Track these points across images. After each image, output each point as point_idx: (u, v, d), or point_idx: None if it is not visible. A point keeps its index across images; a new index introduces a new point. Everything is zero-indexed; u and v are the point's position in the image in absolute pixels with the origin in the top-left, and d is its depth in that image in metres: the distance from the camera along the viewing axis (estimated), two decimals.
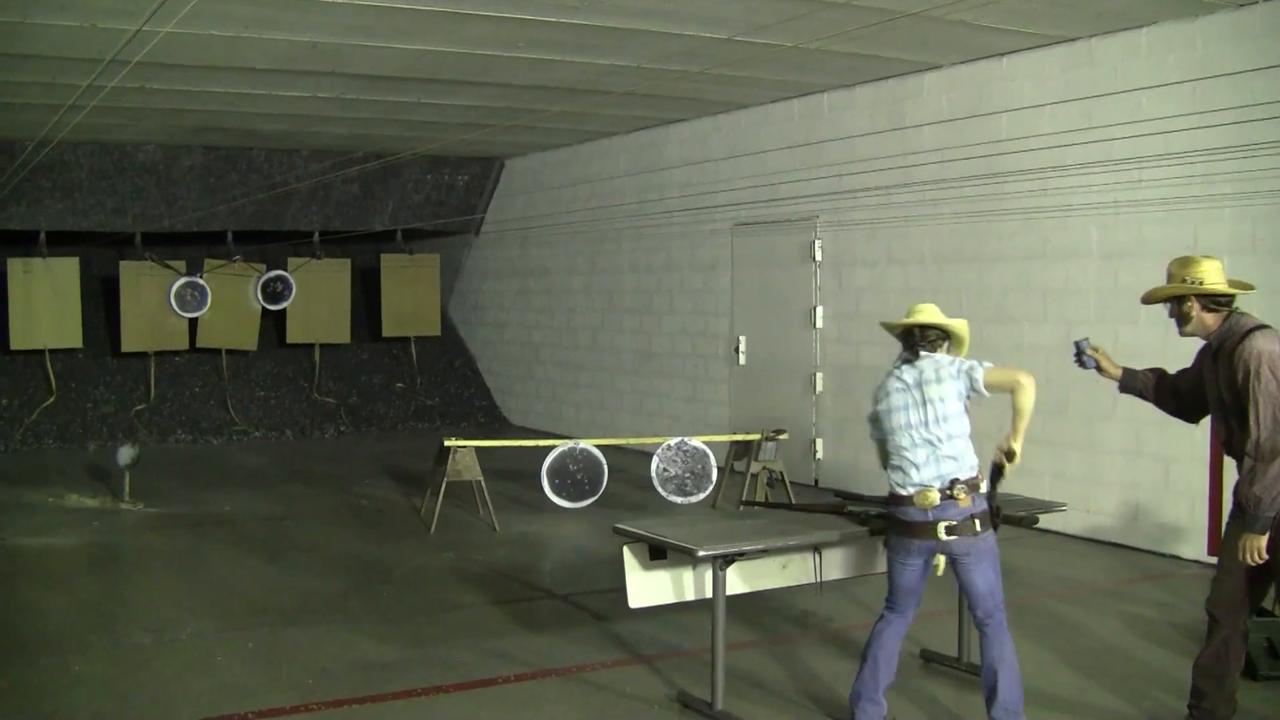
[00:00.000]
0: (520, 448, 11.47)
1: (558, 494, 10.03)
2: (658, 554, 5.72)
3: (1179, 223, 8.75)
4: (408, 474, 13.02)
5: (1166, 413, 5.61)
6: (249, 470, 13.77)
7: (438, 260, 18.12)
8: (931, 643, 6.61)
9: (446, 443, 9.92)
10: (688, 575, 5.83)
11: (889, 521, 5.32)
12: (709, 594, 5.66)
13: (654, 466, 10.13)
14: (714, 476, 10.15)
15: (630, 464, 11.89)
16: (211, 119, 13.06)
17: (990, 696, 5.11)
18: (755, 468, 9.95)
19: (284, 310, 16.82)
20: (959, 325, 5.31)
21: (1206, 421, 8.24)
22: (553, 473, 10.04)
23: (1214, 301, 5.10)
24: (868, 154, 11.15)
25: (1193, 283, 5.10)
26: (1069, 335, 9.55)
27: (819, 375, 12.00)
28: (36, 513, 10.91)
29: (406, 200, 17.26)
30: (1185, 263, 5.19)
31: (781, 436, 10.06)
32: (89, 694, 6.04)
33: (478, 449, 10.04)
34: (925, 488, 5.08)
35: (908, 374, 5.20)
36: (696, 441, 10.23)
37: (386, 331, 17.73)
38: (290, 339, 17.10)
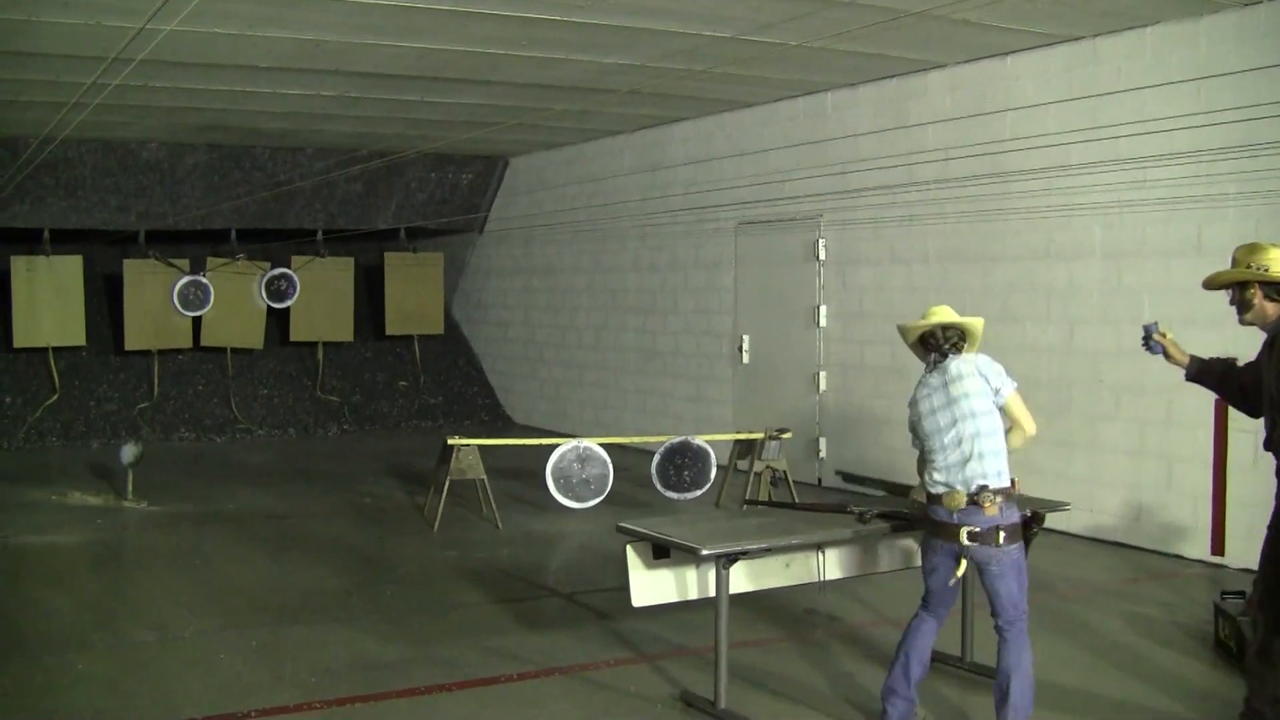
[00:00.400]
0: (523, 446, 11.46)
1: (562, 494, 10.02)
2: (661, 553, 5.71)
3: (1183, 222, 8.74)
4: (411, 472, 13.02)
5: (1233, 406, 5.51)
6: (252, 468, 13.77)
7: (441, 259, 18.12)
8: (936, 642, 6.58)
9: (450, 441, 9.91)
10: (691, 574, 5.83)
11: (926, 520, 5.31)
12: (712, 593, 5.65)
13: (655, 465, 10.13)
14: (713, 475, 10.14)
15: (634, 463, 11.89)
16: (215, 117, 13.06)
17: (1001, 701, 5.09)
18: (759, 467, 9.95)
19: (287, 308, 16.82)
20: (975, 323, 5.30)
21: (1207, 421, 8.34)
22: (557, 472, 10.03)
23: (1278, 291, 5.02)
24: (871, 153, 11.14)
25: (1258, 269, 5.01)
26: (1072, 335, 9.59)
27: (822, 374, 11.99)
28: (40, 511, 10.91)
29: (410, 199, 17.26)
30: (1252, 249, 5.10)
31: (785, 435, 10.05)
32: (91, 692, 6.04)
33: (481, 448, 10.03)
34: (953, 489, 5.06)
35: (935, 377, 5.22)
36: (699, 440, 10.23)
37: (390, 330, 17.74)
38: (294, 337, 17.10)
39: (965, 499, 5.02)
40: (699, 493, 10.13)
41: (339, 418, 17.16)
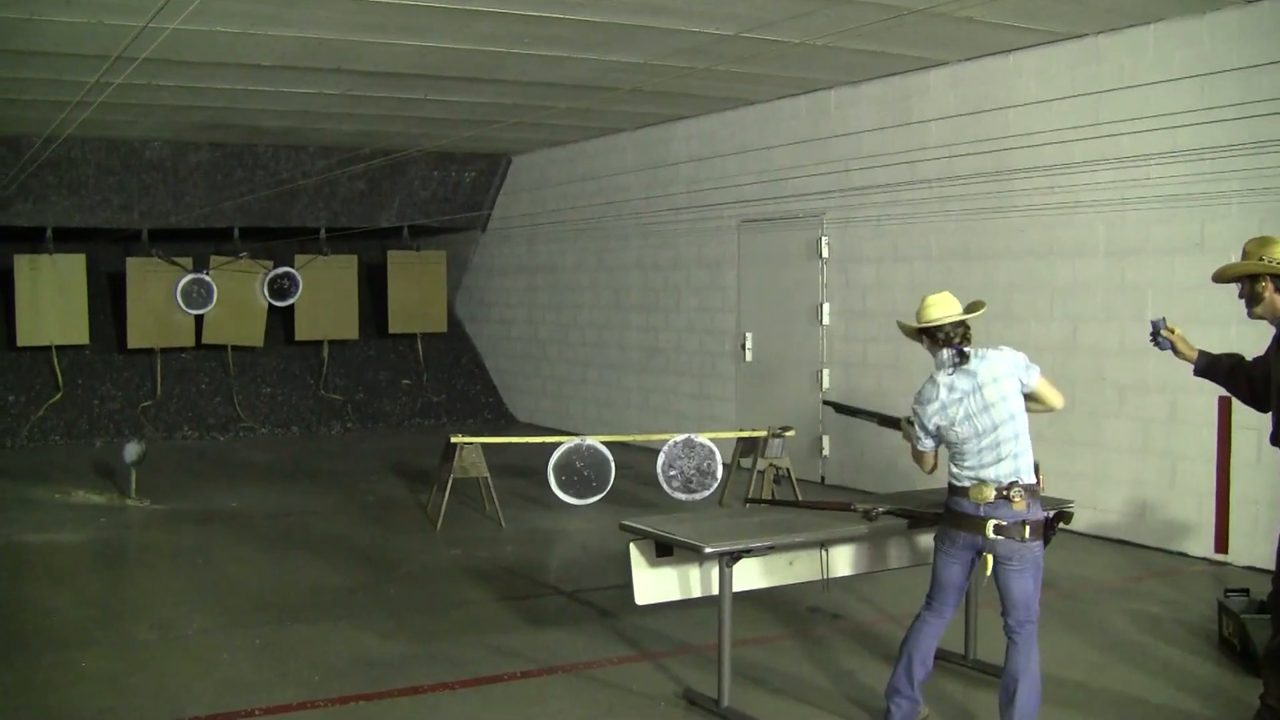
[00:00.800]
0: (526, 444, 11.46)
1: (564, 490, 10.02)
2: (664, 551, 5.71)
3: (1186, 219, 8.73)
4: (414, 470, 13.02)
5: (1241, 400, 5.50)
6: (255, 467, 13.78)
7: (444, 257, 18.13)
8: (940, 641, 6.59)
9: (453, 439, 9.92)
10: (694, 572, 5.83)
11: (943, 511, 5.23)
12: (715, 591, 5.65)
13: (660, 463, 10.12)
14: (719, 474, 10.14)
15: (637, 461, 11.89)
16: (218, 115, 13.06)
17: (1008, 704, 5.06)
18: (762, 464, 9.94)
19: (291, 307, 16.82)
20: (978, 315, 5.20)
21: (1211, 419, 8.34)
22: (559, 469, 10.03)
23: None
24: (874, 150, 11.13)
25: (1271, 263, 5.00)
26: (1075, 333, 9.58)
27: (825, 372, 11.98)
28: (43, 509, 10.92)
29: (413, 197, 17.26)
30: (1264, 242, 5.08)
31: (788, 433, 10.04)
32: (95, 690, 6.05)
33: (484, 445, 10.04)
34: (982, 483, 4.99)
35: (963, 381, 5.05)
36: (703, 438, 10.22)
37: (393, 328, 17.74)
38: (299, 336, 17.10)
39: (994, 493, 4.97)
40: (703, 492, 10.12)
41: (342, 416, 17.17)
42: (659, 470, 10.09)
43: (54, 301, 15.48)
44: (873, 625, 7.11)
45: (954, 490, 5.11)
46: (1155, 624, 7.15)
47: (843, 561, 6.12)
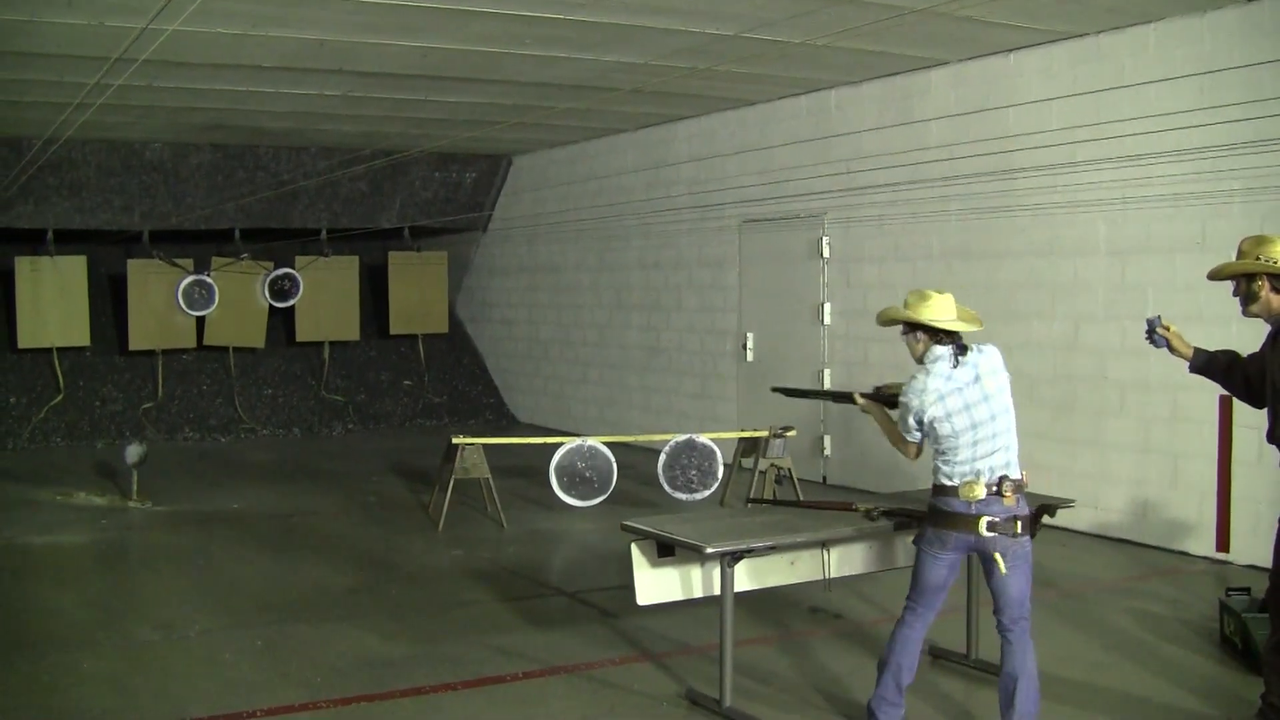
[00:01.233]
0: (528, 445, 11.46)
1: (567, 491, 10.02)
2: (666, 551, 5.71)
3: (1188, 218, 8.73)
4: (415, 471, 13.02)
5: (1237, 397, 5.49)
6: (257, 468, 13.78)
7: (445, 258, 18.13)
8: (941, 640, 6.59)
9: (454, 440, 9.92)
10: (696, 572, 5.83)
11: (928, 514, 5.20)
12: (717, 591, 5.65)
13: (661, 463, 10.12)
14: (720, 474, 10.14)
15: (638, 461, 11.89)
16: (219, 117, 13.07)
17: (1007, 705, 5.05)
18: (763, 465, 9.93)
19: (292, 308, 16.82)
20: (976, 329, 5.20)
21: (1212, 417, 8.33)
22: (561, 470, 10.02)
23: None
24: (875, 150, 11.13)
25: (1266, 261, 4.99)
26: (1077, 332, 9.58)
27: (826, 371, 11.98)
28: (45, 511, 10.93)
29: (414, 198, 17.26)
30: (1260, 241, 5.07)
31: (789, 433, 10.04)
32: (97, 691, 6.05)
33: (485, 446, 10.03)
34: (973, 481, 4.98)
35: (963, 373, 5.05)
36: (704, 438, 10.22)
37: (394, 329, 17.73)
38: (300, 337, 17.09)
39: (984, 490, 4.97)
40: (705, 492, 10.12)
41: (343, 417, 17.17)
42: (660, 470, 10.09)
43: (55, 303, 15.48)
44: (874, 625, 7.10)
45: (942, 490, 5.07)
46: (1157, 623, 7.14)
47: (844, 561, 6.12)
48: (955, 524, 5.03)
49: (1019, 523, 4.99)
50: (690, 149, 13.77)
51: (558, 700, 5.92)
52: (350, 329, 17.35)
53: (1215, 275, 5.28)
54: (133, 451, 11.29)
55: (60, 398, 15.65)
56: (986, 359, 5.10)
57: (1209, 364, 5.46)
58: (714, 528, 5.73)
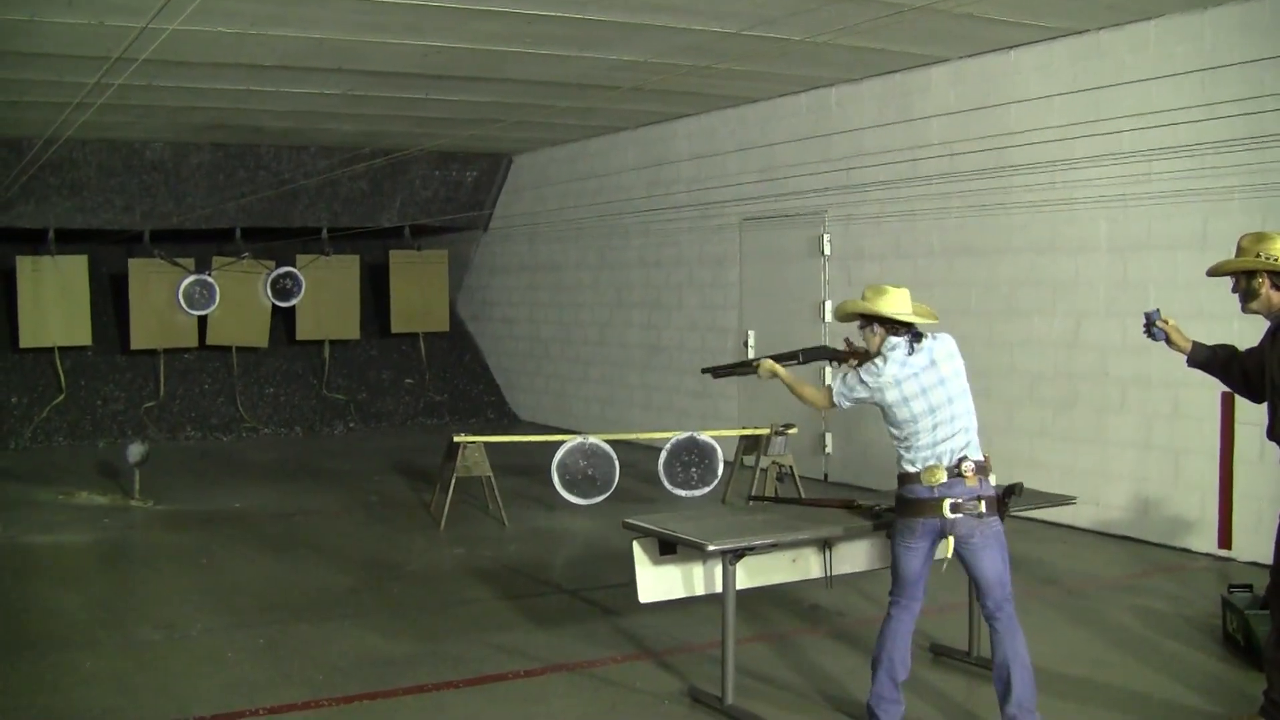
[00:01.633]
0: (529, 443, 11.46)
1: (568, 489, 10.02)
2: (668, 549, 5.71)
3: (1188, 215, 8.73)
4: (417, 470, 13.03)
5: (1236, 391, 5.50)
6: (258, 467, 13.79)
7: (446, 256, 18.13)
8: (942, 637, 6.60)
9: (456, 438, 9.92)
10: (698, 570, 5.83)
11: (895, 505, 5.26)
12: (719, 589, 5.66)
13: (662, 461, 10.12)
14: (721, 471, 10.14)
15: (640, 459, 11.89)
16: (219, 116, 13.07)
17: (1005, 694, 5.07)
18: (764, 462, 9.94)
19: (293, 307, 16.82)
20: (931, 323, 5.32)
21: (1214, 414, 8.32)
22: (562, 468, 10.02)
23: None
24: (876, 148, 11.13)
25: (1266, 258, 4.99)
26: (1078, 328, 9.58)
27: (827, 369, 11.97)
28: (47, 510, 10.94)
29: (415, 196, 17.26)
30: (1260, 238, 5.07)
31: (790, 431, 10.04)
32: (100, 690, 6.05)
33: (487, 444, 10.04)
34: (934, 465, 5.04)
35: (919, 358, 5.13)
36: (706, 436, 10.22)
37: (395, 328, 17.73)
38: (300, 336, 17.09)
39: (945, 473, 5.03)
40: (706, 490, 10.12)
41: (345, 416, 17.18)
42: (661, 468, 10.10)
43: (56, 303, 15.48)
44: (876, 622, 7.03)
45: (906, 479, 5.15)
46: (1159, 620, 7.14)
47: (846, 559, 6.13)
48: (921, 510, 5.09)
49: (982, 502, 5.05)
50: (691, 147, 13.76)
51: (559, 698, 5.93)
52: (351, 328, 17.36)
53: (1214, 272, 5.29)
54: (134, 451, 11.30)
55: (62, 397, 15.66)
56: (941, 345, 5.21)
57: (1208, 358, 5.46)
58: (715, 525, 5.73)
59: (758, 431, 10.14)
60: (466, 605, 7.70)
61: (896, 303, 5.20)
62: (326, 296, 16.95)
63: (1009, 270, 10.13)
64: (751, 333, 12.98)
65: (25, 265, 15.39)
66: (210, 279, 16.04)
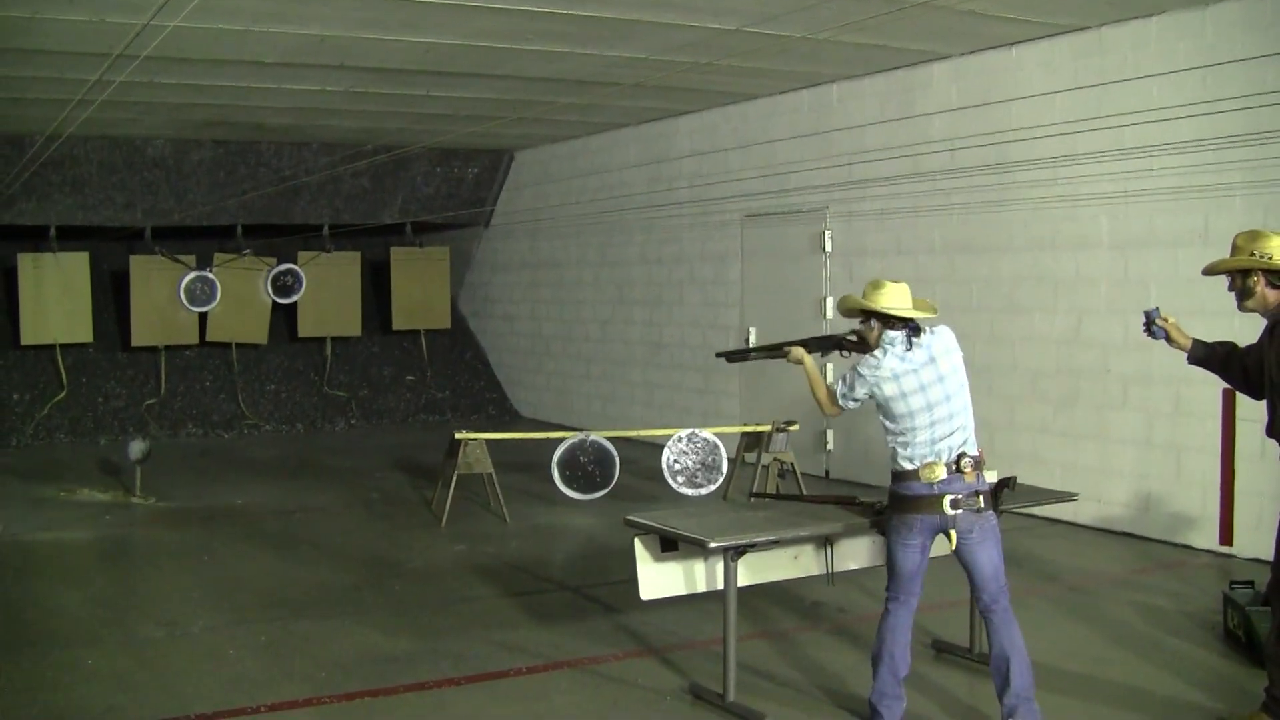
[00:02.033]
0: (531, 440, 11.47)
1: (569, 486, 10.02)
2: (669, 546, 5.72)
3: (1190, 212, 8.72)
4: (418, 467, 13.03)
5: (1235, 388, 5.51)
6: (260, 464, 13.79)
7: (447, 253, 18.13)
8: (943, 633, 6.60)
9: (457, 435, 9.92)
10: (699, 567, 5.83)
11: (890, 501, 5.27)
12: (720, 585, 5.67)
13: (665, 458, 10.12)
14: (724, 468, 10.14)
15: (641, 456, 11.89)
16: (220, 113, 13.07)
17: (1003, 685, 5.09)
18: (766, 459, 9.94)
19: (294, 304, 16.82)
20: (930, 316, 5.31)
21: (1215, 411, 8.33)
22: (563, 465, 10.03)
23: (1279, 278, 5.01)
24: (877, 144, 11.13)
25: (1261, 257, 5.00)
26: (1080, 325, 9.57)
27: (829, 366, 11.97)
28: (48, 507, 10.94)
29: (416, 193, 17.26)
30: (1254, 236, 5.08)
31: (792, 428, 10.04)
32: (102, 687, 6.06)
33: (488, 441, 10.04)
34: (933, 462, 5.05)
35: (918, 354, 5.14)
36: (707, 433, 10.22)
37: (397, 325, 17.73)
38: (302, 333, 17.10)
39: (944, 470, 5.04)
40: (709, 488, 10.12)
41: (346, 413, 17.18)
42: (663, 465, 10.10)
43: (58, 300, 15.49)
44: (877, 619, 7.06)
45: (902, 475, 5.15)
46: (1160, 616, 7.14)
47: (847, 556, 6.13)
48: (919, 507, 5.10)
49: (981, 497, 5.08)
50: (692, 144, 13.76)
51: (561, 695, 5.93)
52: (352, 325, 17.36)
53: (1210, 271, 5.30)
54: (136, 448, 11.30)
55: (63, 394, 15.66)
56: (940, 340, 5.21)
57: (1207, 355, 5.47)
58: (717, 522, 5.73)
59: (759, 428, 10.14)
60: (468, 602, 7.70)
61: (894, 297, 5.21)
62: (328, 293, 16.95)
63: (1010, 267, 10.12)
64: (753, 329, 12.98)
65: (27, 262, 15.39)
66: (211, 275, 16.04)
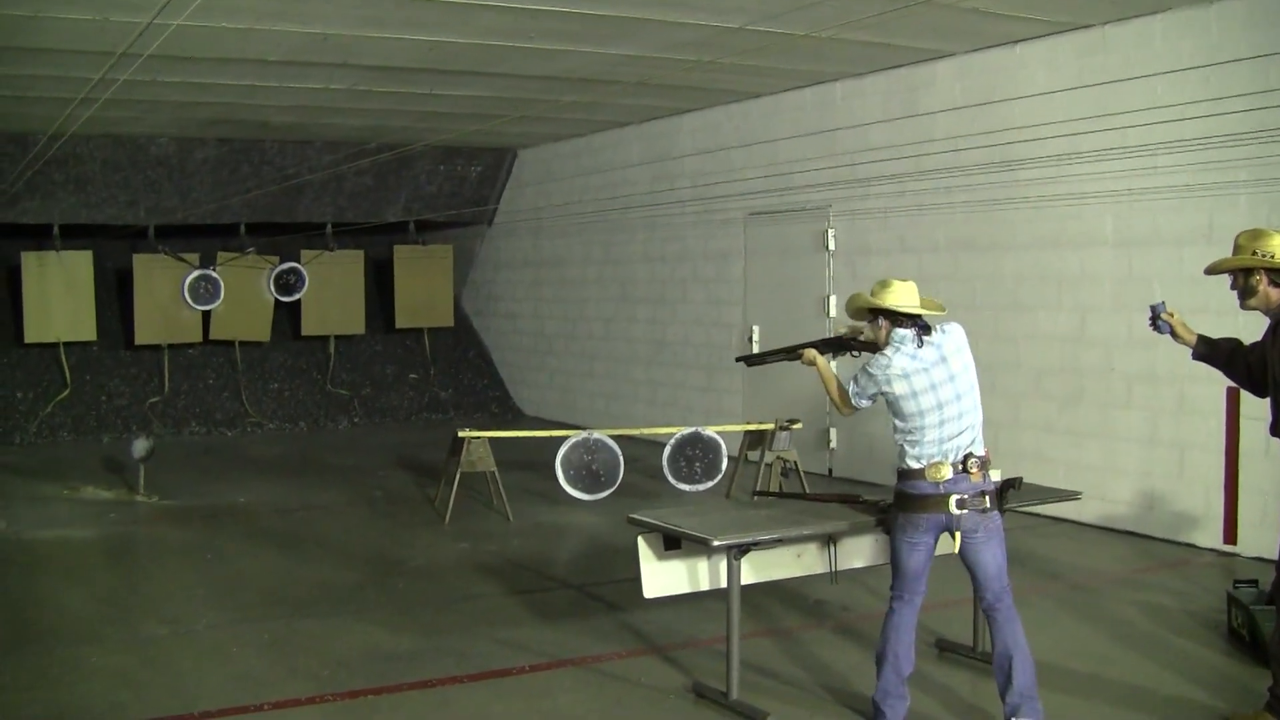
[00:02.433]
0: (534, 438, 11.47)
1: (573, 485, 10.02)
2: (672, 544, 5.72)
3: (1194, 210, 8.71)
4: (422, 465, 13.03)
5: (1239, 385, 5.51)
6: (263, 462, 13.80)
7: (450, 251, 18.14)
8: (947, 632, 6.60)
9: (460, 434, 9.93)
10: (702, 565, 5.83)
11: (896, 500, 5.26)
12: (724, 584, 5.66)
13: (666, 456, 10.12)
14: (725, 466, 10.13)
15: (644, 454, 11.89)
16: (224, 111, 13.08)
17: (1006, 684, 5.09)
18: (769, 457, 9.94)
19: (297, 302, 16.83)
20: (939, 315, 5.31)
21: (1219, 409, 8.32)
22: (567, 463, 10.02)
23: None
24: (880, 143, 11.12)
25: (1264, 256, 5.00)
26: (1084, 324, 9.56)
27: (833, 364, 11.94)
28: (52, 505, 10.95)
29: (419, 191, 17.27)
30: (1256, 235, 5.08)
31: (795, 426, 10.04)
32: (106, 685, 6.06)
33: (491, 440, 10.04)
34: (940, 462, 5.05)
35: (928, 353, 5.12)
36: (710, 431, 10.22)
37: (400, 323, 17.74)
38: (305, 331, 17.12)
39: (950, 469, 5.03)
40: (710, 484, 10.12)
41: (349, 411, 17.19)
42: (666, 463, 10.10)
43: (61, 298, 15.51)
44: (880, 617, 7.05)
45: (909, 474, 5.14)
46: (1164, 615, 7.14)
47: (850, 554, 6.12)
48: (925, 506, 5.09)
49: (987, 497, 5.08)
50: (695, 142, 13.75)
51: (564, 693, 5.93)
52: (356, 323, 17.37)
53: (1212, 270, 5.30)
54: (139, 446, 11.31)
55: (67, 392, 15.68)
56: (950, 339, 5.19)
57: (1211, 352, 5.47)
58: (720, 521, 5.73)
59: (762, 427, 10.14)
60: (471, 600, 7.70)
61: (902, 296, 5.20)
62: (331, 292, 16.97)
63: (1014, 265, 10.11)
64: (756, 328, 12.98)
65: (30, 260, 15.41)
66: (215, 274, 16.05)
